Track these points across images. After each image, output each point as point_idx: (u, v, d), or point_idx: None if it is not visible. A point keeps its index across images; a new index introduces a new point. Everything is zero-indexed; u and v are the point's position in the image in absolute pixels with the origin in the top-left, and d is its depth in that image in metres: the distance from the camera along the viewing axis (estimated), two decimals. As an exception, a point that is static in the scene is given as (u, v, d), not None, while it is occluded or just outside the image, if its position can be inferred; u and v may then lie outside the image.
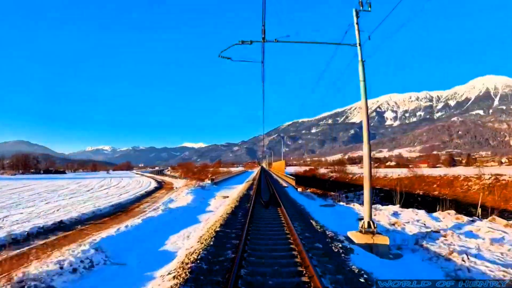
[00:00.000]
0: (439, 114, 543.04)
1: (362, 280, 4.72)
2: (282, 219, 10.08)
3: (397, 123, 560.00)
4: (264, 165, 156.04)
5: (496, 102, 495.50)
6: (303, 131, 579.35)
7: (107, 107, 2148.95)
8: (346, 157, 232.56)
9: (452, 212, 10.77)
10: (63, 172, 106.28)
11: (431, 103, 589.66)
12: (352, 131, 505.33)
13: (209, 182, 30.16)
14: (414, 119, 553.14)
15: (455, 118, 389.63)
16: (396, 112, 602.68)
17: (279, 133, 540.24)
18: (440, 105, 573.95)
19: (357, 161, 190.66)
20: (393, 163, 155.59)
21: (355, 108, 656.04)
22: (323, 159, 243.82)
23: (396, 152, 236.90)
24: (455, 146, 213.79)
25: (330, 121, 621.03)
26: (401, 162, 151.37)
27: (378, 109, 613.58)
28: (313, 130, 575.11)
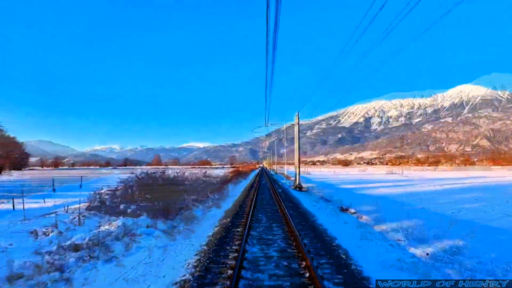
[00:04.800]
0: (417, 120, 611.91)
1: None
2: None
3: (381, 127, 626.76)
4: (265, 165, 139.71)
5: (465, 111, 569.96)
6: (300, 134, 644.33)
7: (113, 108, 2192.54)
8: (326, 158, 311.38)
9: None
10: None
11: (412, 110, 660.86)
12: (339, 135, 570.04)
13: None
14: (397, 124, 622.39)
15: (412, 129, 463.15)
16: (381, 118, 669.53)
17: (279, 134, 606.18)
18: (419, 112, 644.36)
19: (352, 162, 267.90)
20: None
21: (347, 113, 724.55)
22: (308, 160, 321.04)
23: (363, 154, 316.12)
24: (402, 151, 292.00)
25: (324, 125, 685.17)
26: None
27: (365, 115, 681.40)
28: (308, 133, 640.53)
